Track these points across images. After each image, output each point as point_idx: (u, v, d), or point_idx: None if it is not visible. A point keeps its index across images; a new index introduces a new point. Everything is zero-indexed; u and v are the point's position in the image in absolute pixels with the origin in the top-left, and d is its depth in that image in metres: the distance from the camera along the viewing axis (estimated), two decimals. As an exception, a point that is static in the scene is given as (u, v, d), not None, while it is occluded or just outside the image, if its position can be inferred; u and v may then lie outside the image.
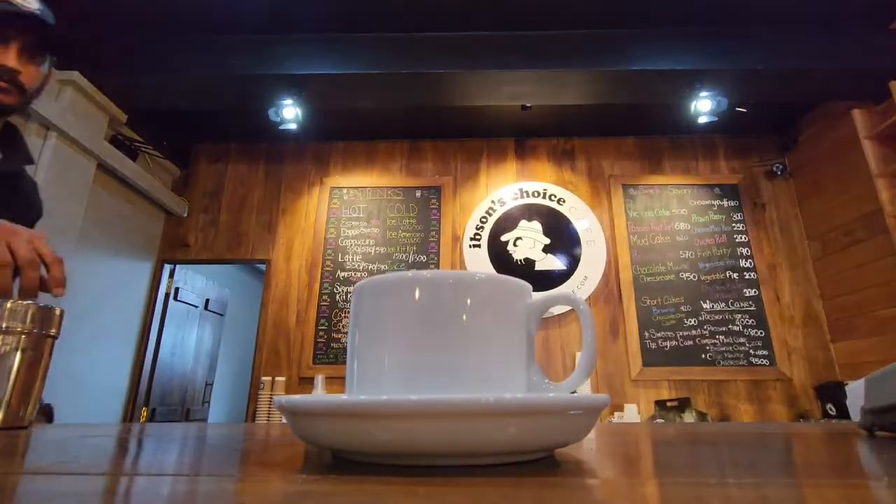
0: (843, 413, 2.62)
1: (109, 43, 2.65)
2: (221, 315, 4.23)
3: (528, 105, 3.01)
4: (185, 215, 3.42)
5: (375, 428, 0.21)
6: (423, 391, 0.25)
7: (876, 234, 2.68)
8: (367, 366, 0.28)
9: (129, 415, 2.93)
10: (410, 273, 0.27)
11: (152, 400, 3.07)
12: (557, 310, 2.96)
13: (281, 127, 2.78)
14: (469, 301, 0.27)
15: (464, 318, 0.26)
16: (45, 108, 2.33)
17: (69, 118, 2.47)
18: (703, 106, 2.68)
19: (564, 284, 3.14)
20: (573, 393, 0.28)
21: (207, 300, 3.86)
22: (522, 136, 3.51)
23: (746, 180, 3.35)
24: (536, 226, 3.29)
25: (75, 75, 2.49)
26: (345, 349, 2.90)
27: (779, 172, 3.30)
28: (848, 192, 2.88)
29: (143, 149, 3.10)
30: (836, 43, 2.61)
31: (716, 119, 2.74)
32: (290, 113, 2.72)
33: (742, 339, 2.99)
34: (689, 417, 2.70)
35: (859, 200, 2.80)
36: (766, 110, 3.12)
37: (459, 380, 0.26)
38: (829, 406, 2.72)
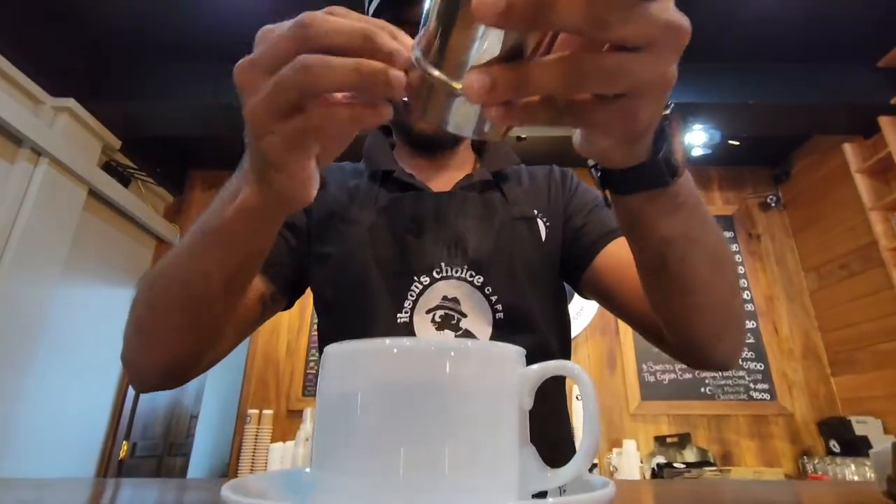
0: (847, 451, 2.54)
1: (105, 69, 2.66)
2: (211, 343, 4.13)
3: (524, 136, 3.02)
4: (177, 242, 3.35)
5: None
6: (397, 483, 0.22)
7: (872, 267, 2.67)
8: (332, 448, 0.24)
9: (109, 450, 2.81)
10: (388, 341, 0.24)
11: (133, 434, 2.95)
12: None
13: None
14: (453, 376, 0.23)
15: (446, 396, 0.22)
16: (38, 134, 2.31)
17: (62, 144, 2.44)
18: (697, 138, 2.70)
19: (560, 315, 3.08)
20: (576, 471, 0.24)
21: (196, 328, 3.77)
22: (518, 166, 3.51)
23: (741, 211, 3.35)
24: (532, 255, 3.25)
25: (71, 102, 2.48)
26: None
27: (773, 204, 3.30)
28: (842, 225, 2.88)
29: (137, 175, 3.08)
30: (827, 78, 2.65)
31: (709, 151, 2.75)
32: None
33: (741, 373, 2.93)
34: (689, 454, 2.62)
35: (853, 233, 2.79)
36: (759, 143, 3.14)
37: (441, 470, 0.22)
38: (832, 443, 2.65)
